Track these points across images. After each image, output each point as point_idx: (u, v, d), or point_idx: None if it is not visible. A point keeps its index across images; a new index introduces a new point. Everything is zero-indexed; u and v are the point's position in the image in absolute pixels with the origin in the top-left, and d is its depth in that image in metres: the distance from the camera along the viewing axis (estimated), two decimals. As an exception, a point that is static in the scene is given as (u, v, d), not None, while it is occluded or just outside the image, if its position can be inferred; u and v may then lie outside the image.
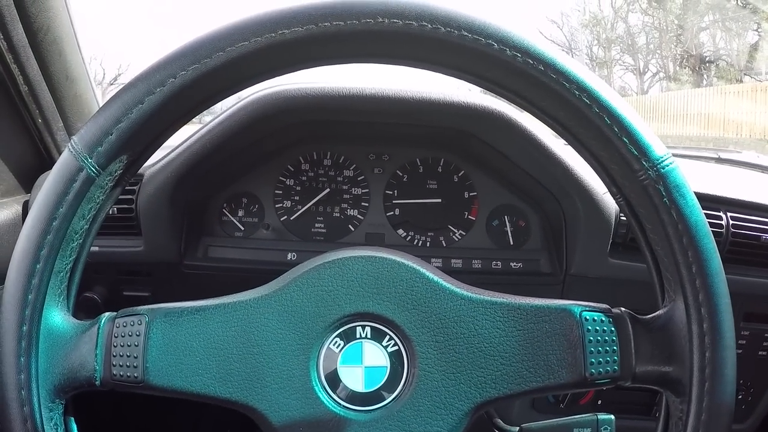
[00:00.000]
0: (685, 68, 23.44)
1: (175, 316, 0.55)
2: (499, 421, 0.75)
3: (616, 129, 0.52)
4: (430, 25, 0.50)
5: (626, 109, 0.53)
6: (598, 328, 0.55)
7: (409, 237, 1.16)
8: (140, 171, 1.04)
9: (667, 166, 0.53)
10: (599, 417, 0.71)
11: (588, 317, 0.55)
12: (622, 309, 0.57)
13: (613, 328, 0.55)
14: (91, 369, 0.53)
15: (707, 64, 23.30)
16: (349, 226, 1.17)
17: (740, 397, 1.18)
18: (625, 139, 0.52)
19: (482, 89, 0.58)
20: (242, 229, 1.15)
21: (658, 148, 0.53)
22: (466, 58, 0.52)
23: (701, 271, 0.52)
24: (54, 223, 0.52)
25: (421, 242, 1.16)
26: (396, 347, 0.54)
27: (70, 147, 0.53)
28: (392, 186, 1.17)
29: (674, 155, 1.65)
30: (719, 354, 0.51)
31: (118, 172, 0.54)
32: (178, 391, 0.53)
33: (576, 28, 27.61)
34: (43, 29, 1.01)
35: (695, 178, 1.28)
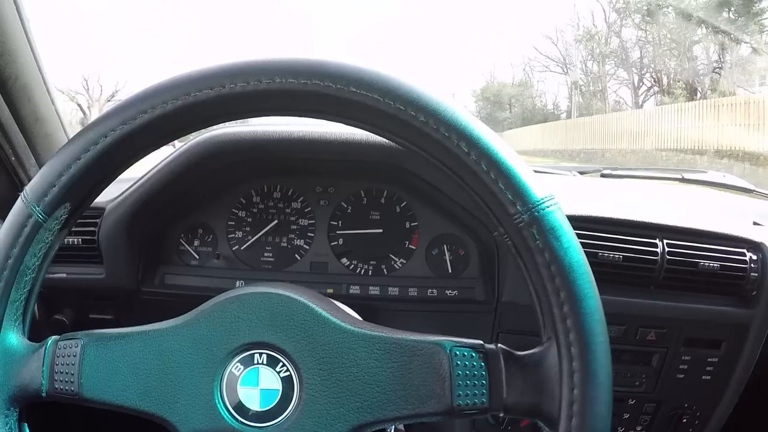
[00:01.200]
0: (678, 81, 23.54)
1: (105, 340, 0.64)
2: None
3: (492, 175, 0.56)
4: (322, 83, 0.57)
5: (505, 154, 0.57)
6: (467, 363, 0.59)
7: (352, 266, 1.22)
8: (102, 205, 1.15)
9: (543, 209, 0.56)
10: None
11: (458, 353, 0.59)
12: (499, 345, 0.61)
13: (482, 363, 0.59)
14: (39, 383, 0.63)
15: (701, 77, 23.40)
16: (296, 255, 1.23)
17: (685, 420, 1.19)
18: (501, 185, 0.56)
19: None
20: (197, 257, 1.24)
21: (535, 192, 0.56)
22: (358, 111, 0.58)
23: (573, 311, 0.55)
24: (9, 261, 0.61)
25: (363, 270, 1.22)
26: (288, 373, 0.60)
27: (22, 197, 0.62)
28: (337, 217, 1.23)
29: (639, 177, 1.69)
30: (588, 391, 0.54)
31: (64, 216, 0.63)
32: (107, 404, 0.62)
33: (570, 43, 27.86)
34: (12, 78, 1.10)
35: (648, 202, 1.34)
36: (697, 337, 1.14)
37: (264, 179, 1.25)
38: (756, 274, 1.11)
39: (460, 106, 0.60)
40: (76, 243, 1.16)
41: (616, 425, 1.19)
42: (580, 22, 28.15)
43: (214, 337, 0.61)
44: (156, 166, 1.13)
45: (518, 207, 0.56)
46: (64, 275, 1.18)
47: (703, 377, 1.16)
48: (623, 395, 1.16)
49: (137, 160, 0.65)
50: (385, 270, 1.22)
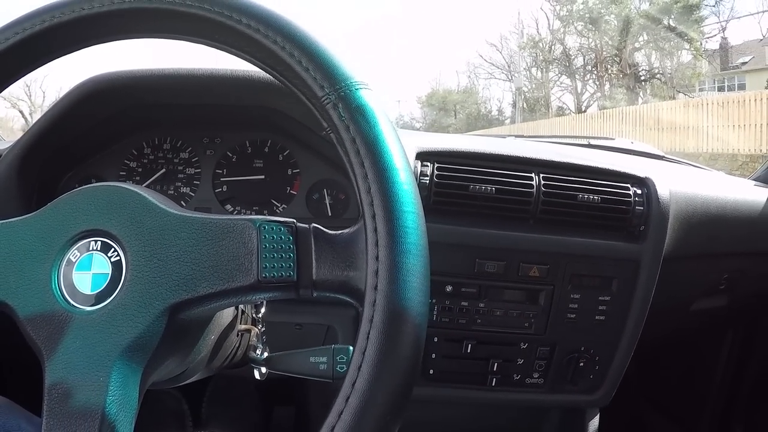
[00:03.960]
0: (621, 87, 24.12)
1: None
2: (252, 353, 0.79)
3: (303, 63, 0.58)
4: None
5: (314, 42, 0.59)
6: (275, 236, 0.59)
7: (236, 211, 1.24)
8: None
9: (350, 89, 0.57)
10: (335, 347, 0.72)
11: (266, 227, 0.59)
12: (313, 225, 0.61)
13: (290, 237, 0.59)
14: None
15: (642, 83, 24.03)
16: (181, 202, 1.24)
17: (582, 364, 1.16)
18: (311, 71, 0.57)
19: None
20: None
21: (343, 74, 0.58)
22: (188, 24, 0.61)
23: (376, 180, 0.55)
24: None
25: (245, 215, 1.21)
26: (118, 257, 0.60)
27: None
28: (222, 165, 1.25)
29: (546, 141, 1.65)
30: (391, 258, 0.53)
31: None
32: None
33: (514, 50, 28.24)
34: None
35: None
36: (585, 274, 1.12)
37: (155, 131, 1.27)
38: (641, 208, 1.11)
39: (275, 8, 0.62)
40: None
41: (511, 372, 1.16)
42: (524, 29, 28.55)
43: (55, 227, 0.62)
44: (45, 112, 1.14)
45: (326, 89, 0.57)
46: None
47: (597, 317, 1.14)
48: (513, 338, 1.14)
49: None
50: (266, 214, 1.22)
